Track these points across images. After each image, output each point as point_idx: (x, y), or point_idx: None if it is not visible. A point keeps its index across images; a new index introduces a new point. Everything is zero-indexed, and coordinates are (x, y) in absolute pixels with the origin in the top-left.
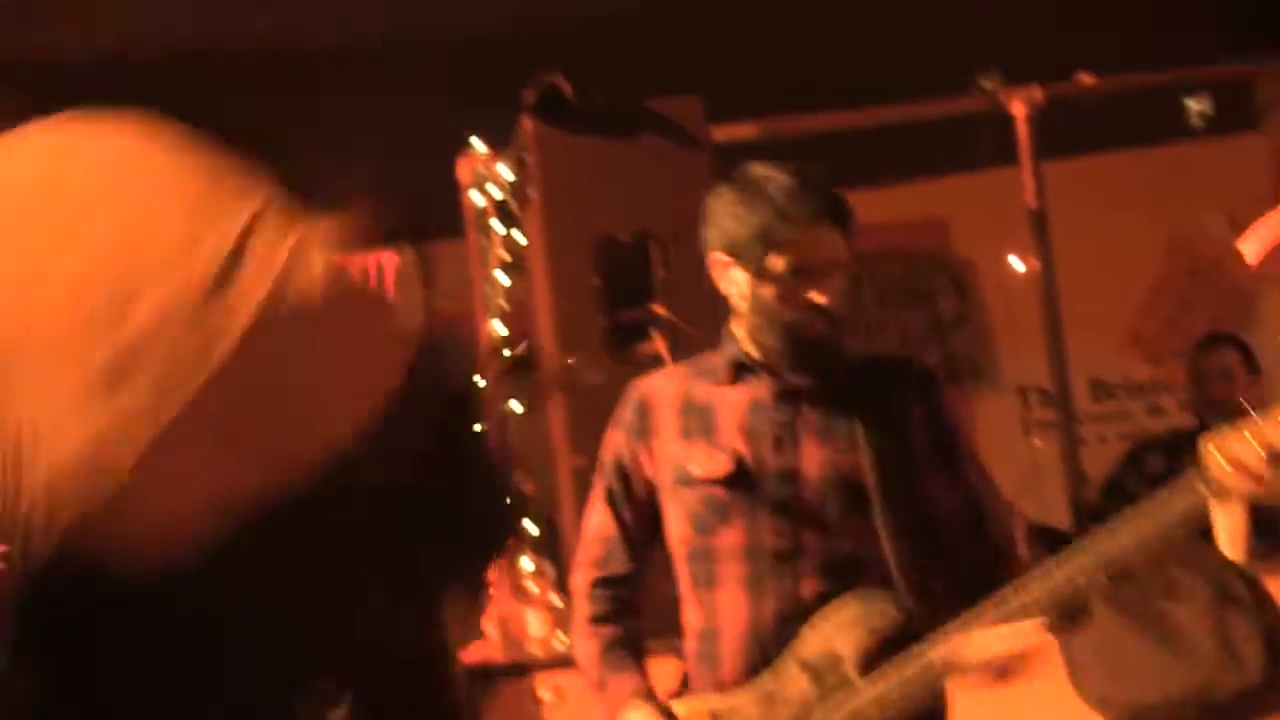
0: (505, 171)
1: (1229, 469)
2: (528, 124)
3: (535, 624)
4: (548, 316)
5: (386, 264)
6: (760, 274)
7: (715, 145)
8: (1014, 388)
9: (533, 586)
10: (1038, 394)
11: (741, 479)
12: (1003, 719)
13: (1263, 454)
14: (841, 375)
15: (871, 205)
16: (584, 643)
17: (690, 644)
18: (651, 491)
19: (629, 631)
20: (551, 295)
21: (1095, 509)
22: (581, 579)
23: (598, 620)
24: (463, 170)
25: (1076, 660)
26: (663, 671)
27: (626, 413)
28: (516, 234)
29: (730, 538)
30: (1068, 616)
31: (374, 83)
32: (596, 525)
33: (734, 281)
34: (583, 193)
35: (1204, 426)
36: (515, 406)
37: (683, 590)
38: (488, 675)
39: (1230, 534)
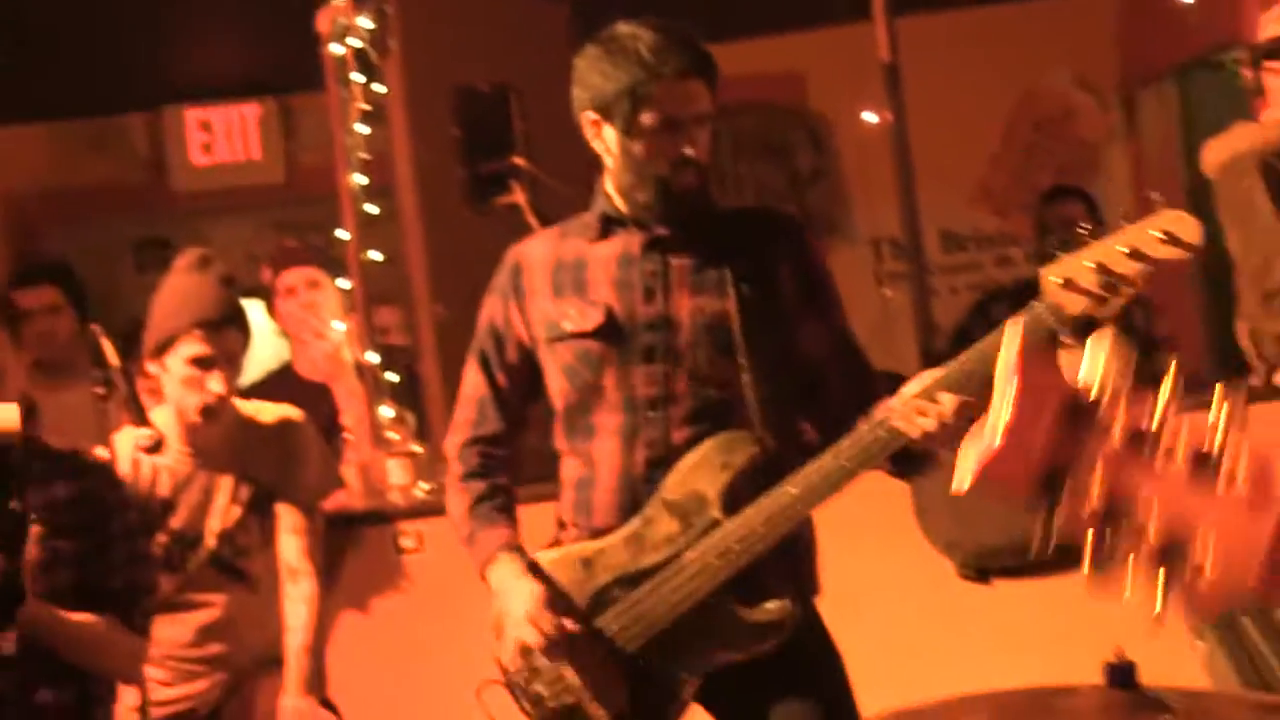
0: (365, 22)
1: (1060, 282)
2: None
3: (396, 472)
4: (407, 167)
5: (249, 117)
6: (630, 130)
7: None
8: (867, 239)
9: (393, 435)
10: (890, 245)
11: (612, 330)
12: (860, 563)
13: (1092, 267)
14: (709, 225)
15: (729, 58)
16: (455, 499)
17: (567, 494)
18: (525, 353)
19: (498, 486)
20: (411, 146)
21: (945, 358)
22: (455, 440)
23: (468, 477)
24: (323, 21)
25: (924, 505)
26: (540, 518)
27: (501, 278)
28: (377, 85)
29: (604, 389)
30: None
31: None
32: (470, 387)
33: (605, 139)
34: (442, 43)
35: None
36: (376, 256)
37: (560, 445)
38: (348, 523)
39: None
